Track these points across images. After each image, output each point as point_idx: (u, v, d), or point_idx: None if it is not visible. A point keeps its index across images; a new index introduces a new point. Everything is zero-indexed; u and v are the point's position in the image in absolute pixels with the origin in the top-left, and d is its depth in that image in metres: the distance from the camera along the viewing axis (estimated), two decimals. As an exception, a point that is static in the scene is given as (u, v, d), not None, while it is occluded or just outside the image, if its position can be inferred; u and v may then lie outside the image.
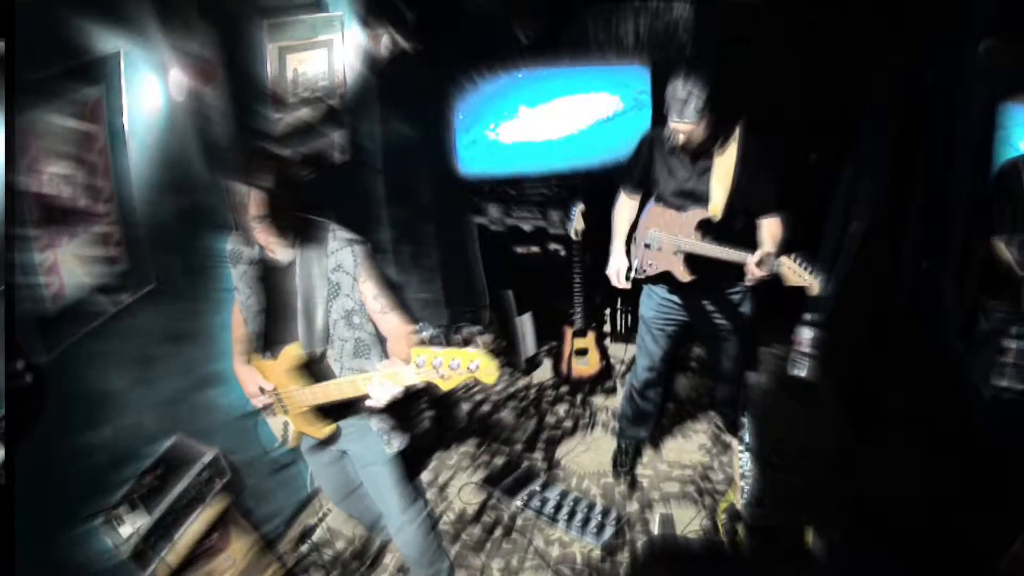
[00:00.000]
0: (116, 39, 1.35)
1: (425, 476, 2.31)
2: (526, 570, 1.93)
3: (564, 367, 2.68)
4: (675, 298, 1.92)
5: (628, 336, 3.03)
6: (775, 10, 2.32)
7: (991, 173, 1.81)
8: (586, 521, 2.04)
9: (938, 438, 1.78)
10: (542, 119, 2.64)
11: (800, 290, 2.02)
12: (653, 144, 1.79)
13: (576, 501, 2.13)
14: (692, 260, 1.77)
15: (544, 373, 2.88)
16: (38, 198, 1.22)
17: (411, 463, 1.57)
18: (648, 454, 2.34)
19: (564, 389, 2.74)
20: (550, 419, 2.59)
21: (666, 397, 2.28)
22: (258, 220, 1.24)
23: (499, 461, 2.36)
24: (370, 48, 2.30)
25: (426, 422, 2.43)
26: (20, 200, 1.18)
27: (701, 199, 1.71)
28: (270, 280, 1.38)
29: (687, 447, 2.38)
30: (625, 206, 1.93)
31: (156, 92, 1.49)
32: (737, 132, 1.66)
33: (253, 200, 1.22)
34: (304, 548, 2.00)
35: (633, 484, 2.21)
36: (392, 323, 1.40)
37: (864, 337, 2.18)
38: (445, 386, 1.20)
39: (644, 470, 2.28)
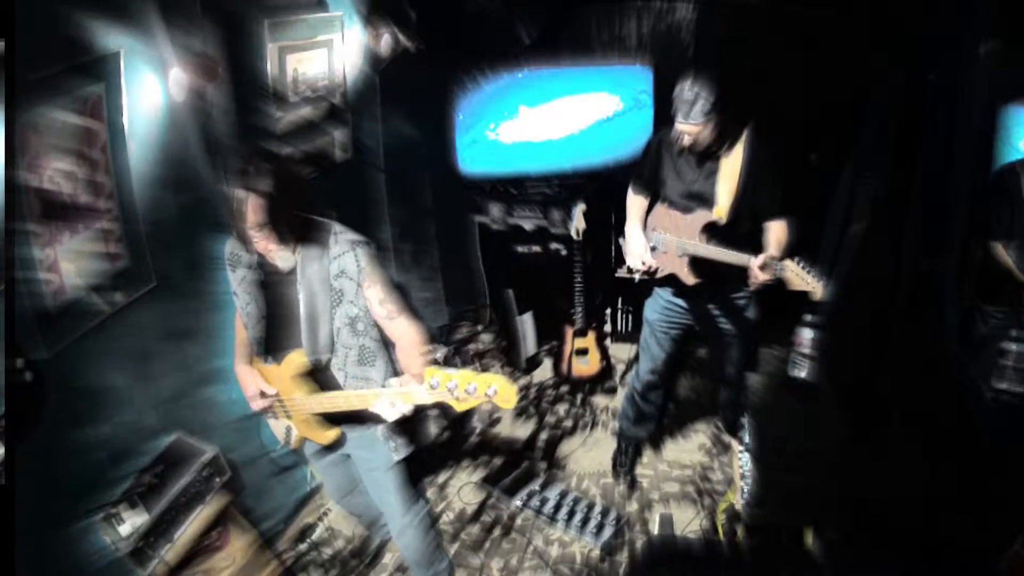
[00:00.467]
0: (117, 37, 1.35)
1: (425, 476, 2.31)
2: (525, 570, 1.92)
3: (564, 367, 2.68)
4: (680, 301, 1.92)
5: (629, 336, 3.04)
6: (775, 10, 2.32)
7: (991, 174, 1.82)
8: (585, 521, 2.04)
9: (938, 438, 1.78)
10: (543, 119, 2.64)
11: (798, 292, 2.03)
12: (661, 145, 1.79)
13: (576, 501, 2.13)
14: (697, 263, 1.76)
15: (544, 372, 2.88)
16: (39, 194, 1.22)
17: (414, 467, 1.56)
18: (648, 454, 2.34)
19: (564, 389, 2.74)
20: (550, 419, 2.59)
21: (667, 399, 2.27)
22: (257, 228, 1.19)
23: (498, 460, 2.36)
24: (372, 47, 2.30)
25: (432, 429, 2.43)
26: (21, 196, 1.18)
27: (707, 201, 1.70)
28: (270, 287, 1.35)
29: (687, 447, 2.38)
30: (636, 199, 1.92)
31: (156, 90, 1.49)
32: (744, 134, 1.66)
33: (251, 207, 1.16)
34: (303, 546, 2.00)
35: (633, 484, 2.21)
36: (400, 329, 1.35)
37: (864, 337, 2.18)
38: (459, 407, 1.17)
39: (644, 470, 2.28)
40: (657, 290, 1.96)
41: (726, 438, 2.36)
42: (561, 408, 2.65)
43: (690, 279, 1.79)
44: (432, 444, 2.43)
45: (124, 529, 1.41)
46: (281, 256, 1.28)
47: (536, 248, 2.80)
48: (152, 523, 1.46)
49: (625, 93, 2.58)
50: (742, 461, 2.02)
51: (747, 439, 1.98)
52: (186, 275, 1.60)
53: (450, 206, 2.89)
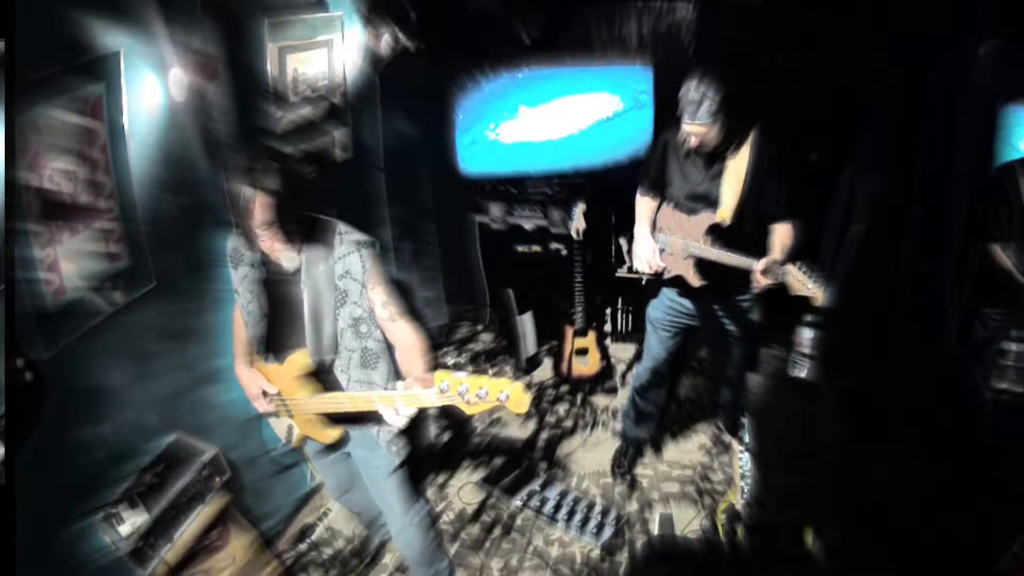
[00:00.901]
0: (117, 37, 1.35)
1: (420, 473, 2.31)
2: (525, 570, 1.92)
3: (564, 366, 2.68)
4: (685, 302, 1.91)
5: (629, 336, 3.03)
6: (775, 10, 2.32)
7: (990, 174, 1.81)
8: (585, 521, 2.04)
9: (938, 438, 1.78)
10: (542, 119, 2.64)
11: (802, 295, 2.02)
12: (667, 146, 1.79)
13: (576, 501, 2.13)
14: (702, 265, 1.75)
15: (544, 372, 2.88)
16: (39, 194, 1.22)
17: (414, 466, 1.56)
18: (648, 454, 2.34)
19: (564, 388, 2.74)
20: (550, 418, 2.59)
21: (668, 399, 2.26)
22: (264, 226, 1.18)
23: (499, 460, 2.36)
24: (372, 46, 2.30)
25: (432, 430, 2.43)
26: (21, 196, 1.18)
27: (712, 203, 1.70)
28: (274, 285, 1.34)
29: (687, 447, 2.38)
30: (644, 200, 1.91)
31: (157, 90, 1.49)
32: (751, 135, 1.65)
33: (259, 205, 1.15)
34: (303, 546, 2.00)
35: (633, 484, 2.21)
36: (401, 332, 1.35)
37: (864, 338, 2.18)
38: (470, 411, 1.16)
39: (644, 470, 2.28)
40: (663, 290, 1.96)
41: (726, 438, 2.36)
42: (561, 408, 2.65)
43: (696, 281, 1.79)
44: (432, 444, 2.43)
45: (124, 529, 1.41)
46: (286, 255, 1.28)
47: (536, 248, 2.80)
48: (152, 523, 1.46)
49: (625, 93, 2.58)
50: (742, 461, 2.02)
51: (747, 439, 1.98)
52: (186, 275, 1.60)
53: (450, 206, 2.89)
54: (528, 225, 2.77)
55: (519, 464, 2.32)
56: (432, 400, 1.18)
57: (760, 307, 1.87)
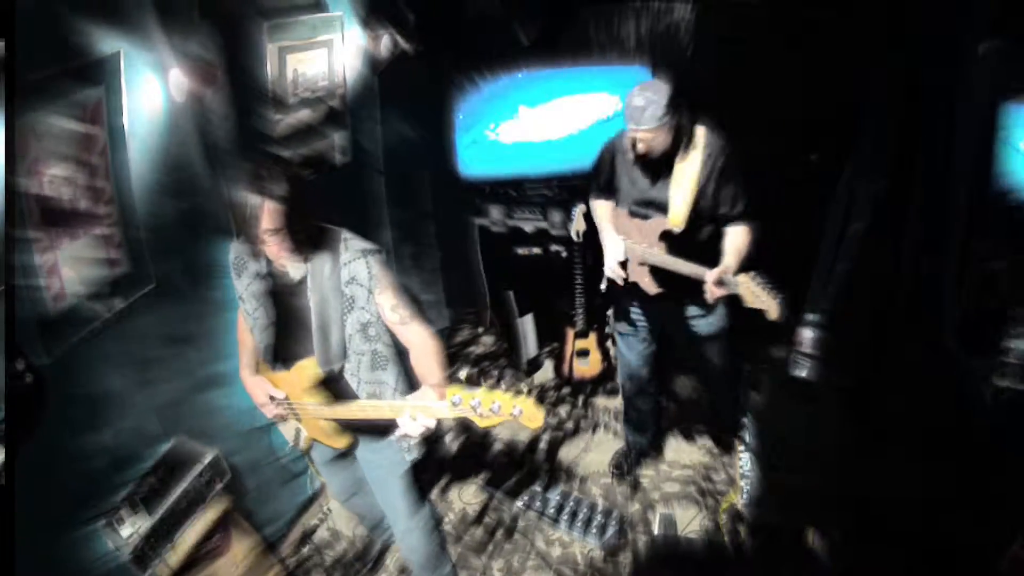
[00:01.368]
0: (116, 40, 1.34)
1: (425, 477, 2.31)
2: (528, 571, 1.93)
3: (566, 368, 2.68)
4: (645, 310, 1.89)
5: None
6: (775, 10, 2.32)
7: (991, 173, 1.81)
8: (588, 522, 2.04)
9: (938, 438, 1.79)
10: (542, 119, 2.64)
11: (797, 292, 2.01)
12: (615, 151, 1.75)
13: (578, 502, 2.13)
14: (658, 272, 1.72)
15: (546, 374, 2.88)
16: (39, 200, 1.21)
17: (419, 470, 1.55)
18: (649, 455, 2.34)
19: (566, 390, 2.74)
20: (551, 420, 2.59)
21: (659, 403, 2.23)
22: (272, 233, 1.18)
23: (501, 462, 2.36)
24: (370, 49, 2.29)
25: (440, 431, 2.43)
26: (21, 202, 1.17)
27: (663, 208, 1.66)
28: (280, 294, 1.33)
29: (688, 447, 2.38)
30: (599, 203, 1.88)
31: (156, 93, 1.48)
32: (701, 137, 1.62)
33: (267, 212, 1.15)
34: (306, 550, 2.00)
35: (634, 485, 2.21)
36: (413, 334, 1.33)
37: (864, 337, 2.18)
38: (482, 424, 1.16)
39: (645, 470, 2.28)
40: (622, 298, 1.93)
41: (727, 438, 2.36)
42: (563, 410, 2.65)
43: (652, 288, 1.75)
44: (436, 445, 2.43)
45: (125, 531, 1.41)
46: (292, 264, 1.28)
47: (536, 250, 2.79)
48: (153, 525, 1.46)
49: (624, 93, 2.57)
50: (743, 461, 2.02)
51: (748, 439, 1.98)
52: (186, 279, 1.60)
53: (450, 208, 2.88)
54: (528, 227, 2.77)
55: (521, 466, 2.33)
56: (444, 412, 1.18)
57: (726, 310, 1.82)
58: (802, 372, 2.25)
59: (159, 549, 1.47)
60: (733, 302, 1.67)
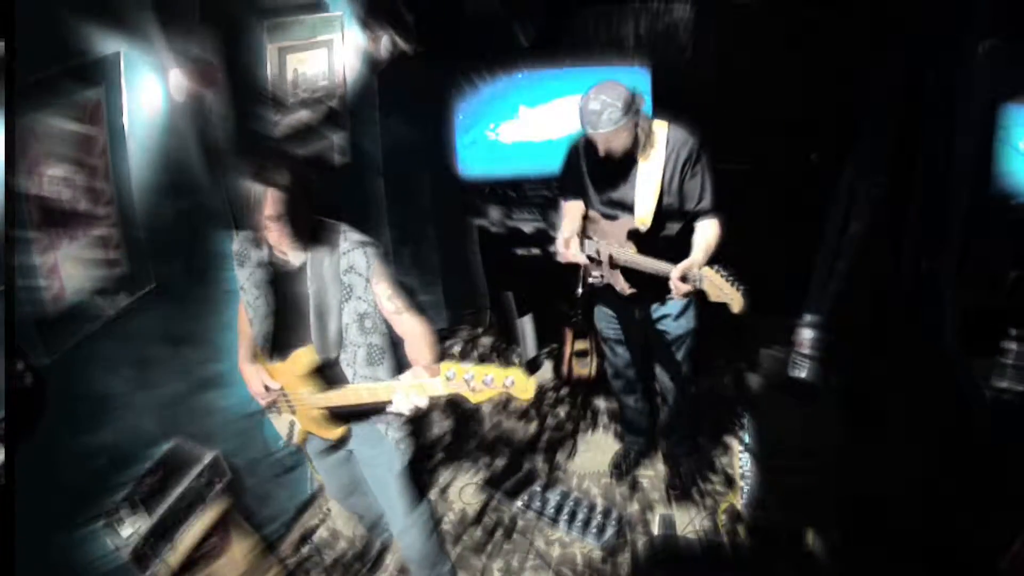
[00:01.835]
0: (116, 40, 1.35)
1: (427, 477, 2.31)
2: (527, 571, 1.93)
3: (565, 369, 2.68)
4: (620, 310, 1.90)
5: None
6: (775, 10, 2.32)
7: (991, 173, 1.81)
8: (587, 522, 2.04)
9: (938, 438, 1.78)
10: (542, 119, 2.64)
11: (798, 292, 2.01)
12: (579, 152, 1.75)
13: (577, 502, 2.13)
14: (629, 272, 1.71)
15: (545, 375, 2.88)
16: (38, 201, 1.22)
17: (417, 467, 1.56)
18: (649, 454, 2.34)
19: (565, 391, 2.74)
20: (551, 421, 2.59)
21: (651, 403, 2.21)
22: (274, 220, 1.21)
23: (500, 462, 2.36)
24: (370, 49, 2.29)
25: (436, 429, 2.43)
26: (20, 203, 1.17)
27: (630, 208, 1.66)
28: (280, 282, 1.36)
29: (687, 447, 2.38)
30: (570, 204, 1.85)
31: (156, 93, 1.48)
32: (663, 133, 1.62)
33: (270, 199, 1.19)
34: (305, 550, 2.00)
35: (634, 485, 2.21)
36: (409, 324, 1.36)
37: (864, 337, 2.18)
38: (475, 399, 1.17)
39: (644, 471, 2.28)
40: (601, 299, 1.94)
41: (727, 438, 2.36)
42: (562, 410, 2.65)
43: (625, 289, 1.74)
44: (435, 445, 2.43)
45: (125, 531, 1.41)
46: (293, 252, 1.31)
47: (535, 250, 2.79)
48: (153, 526, 1.46)
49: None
50: (742, 461, 2.02)
51: (747, 439, 1.98)
52: (186, 280, 1.60)
53: (449, 209, 2.89)
54: (527, 228, 2.77)
55: (520, 466, 2.33)
56: (438, 389, 1.19)
57: (694, 312, 1.82)
58: (801, 372, 2.24)
59: (159, 550, 1.47)
60: (706, 306, 1.67)
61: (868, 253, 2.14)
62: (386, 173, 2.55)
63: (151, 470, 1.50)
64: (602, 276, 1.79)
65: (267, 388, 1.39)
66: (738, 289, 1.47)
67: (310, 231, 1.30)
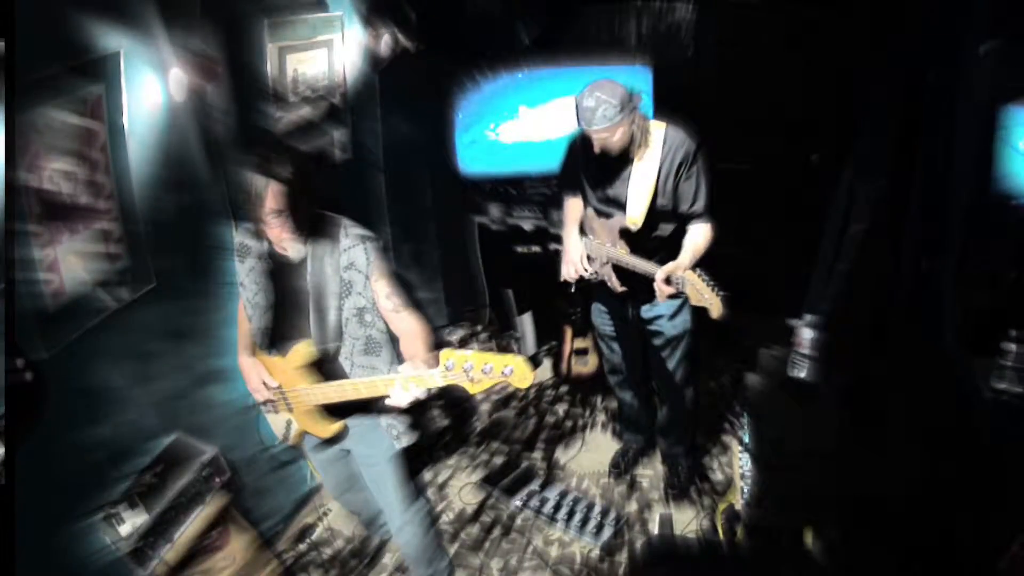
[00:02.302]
0: (117, 37, 1.35)
1: (425, 475, 2.31)
2: (525, 570, 1.92)
3: (564, 367, 2.68)
4: (614, 307, 1.91)
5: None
6: (775, 10, 2.32)
7: (991, 174, 1.81)
8: (585, 521, 2.04)
9: (938, 438, 1.78)
10: (542, 119, 2.65)
11: (799, 293, 2.00)
12: (577, 149, 1.76)
13: (575, 501, 2.13)
14: (622, 271, 1.73)
15: (544, 373, 2.88)
16: (39, 194, 1.22)
17: (414, 464, 1.56)
18: (648, 454, 2.33)
19: (564, 389, 2.74)
20: (549, 419, 2.59)
21: (648, 401, 2.21)
22: (275, 214, 1.21)
23: (498, 460, 2.36)
24: (371, 47, 2.30)
25: (436, 422, 2.43)
26: (21, 196, 1.18)
27: (623, 206, 1.67)
28: (279, 276, 1.36)
29: (686, 447, 2.38)
30: (571, 202, 1.89)
31: (156, 92, 1.49)
32: (660, 134, 1.62)
33: (271, 193, 1.18)
34: (303, 546, 2.00)
35: (632, 484, 2.21)
36: (405, 322, 1.37)
37: (864, 337, 2.18)
38: (474, 389, 1.17)
39: (644, 470, 2.28)
40: (596, 298, 1.95)
41: (726, 439, 2.36)
42: (560, 408, 2.65)
43: (617, 287, 1.76)
44: (432, 441, 2.43)
45: (124, 529, 1.41)
46: (293, 246, 1.31)
47: (535, 248, 2.79)
48: (152, 523, 1.46)
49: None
50: (742, 461, 2.02)
51: (747, 439, 1.97)
52: (186, 275, 1.61)
53: (450, 206, 2.89)
54: (527, 226, 2.77)
55: (518, 464, 2.32)
56: (436, 380, 1.19)
57: (689, 312, 1.81)
58: (801, 373, 2.24)
59: (158, 548, 1.47)
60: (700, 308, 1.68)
61: (868, 253, 2.14)
62: (387, 170, 2.55)
63: (150, 465, 1.51)
64: (596, 273, 1.80)
65: (265, 384, 1.39)
66: (717, 294, 1.48)
67: (310, 225, 1.30)
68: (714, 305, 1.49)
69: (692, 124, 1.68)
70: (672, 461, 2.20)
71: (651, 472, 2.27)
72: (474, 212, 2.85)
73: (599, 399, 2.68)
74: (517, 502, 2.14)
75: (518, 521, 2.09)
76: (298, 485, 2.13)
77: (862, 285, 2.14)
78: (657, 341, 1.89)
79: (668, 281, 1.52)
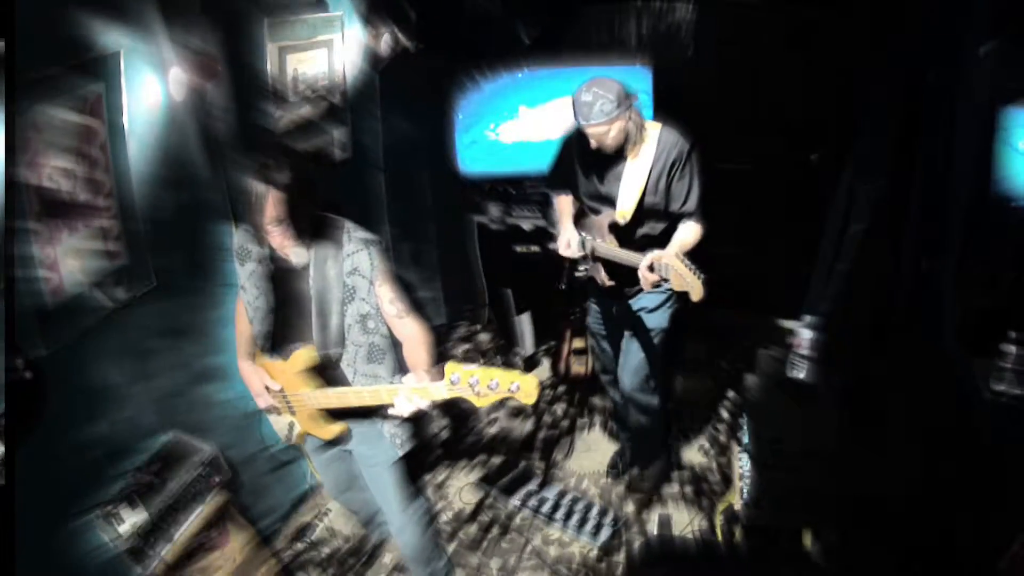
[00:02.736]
0: (117, 36, 1.36)
1: (424, 475, 2.31)
2: (523, 569, 1.92)
3: (562, 366, 2.68)
4: (603, 305, 1.92)
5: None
6: (775, 10, 2.32)
7: (991, 174, 1.80)
8: (584, 521, 2.03)
9: (938, 438, 1.77)
10: (542, 119, 2.65)
11: (798, 293, 2.00)
12: (572, 146, 1.77)
13: (574, 501, 2.13)
14: (609, 265, 1.74)
15: (542, 372, 2.88)
16: (39, 192, 1.22)
17: (413, 464, 1.56)
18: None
19: (562, 389, 2.73)
20: (547, 419, 2.59)
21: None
22: (276, 222, 1.19)
23: (496, 460, 2.36)
24: (372, 46, 2.30)
25: (434, 429, 2.43)
26: (21, 194, 1.18)
27: (613, 203, 1.68)
28: (281, 280, 1.34)
29: (685, 448, 2.37)
30: (560, 198, 1.89)
31: (156, 90, 1.49)
32: (654, 133, 1.64)
33: (271, 201, 1.16)
34: (301, 545, 2.00)
35: (631, 484, 2.21)
36: (409, 328, 1.36)
37: (864, 338, 2.17)
38: (479, 403, 1.17)
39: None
40: (587, 294, 1.97)
41: (724, 439, 2.35)
42: (559, 408, 2.65)
43: (605, 281, 1.77)
44: (431, 442, 2.43)
45: (124, 528, 1.41)
46: (295, 252, 1.29)
47: (535, 248, 2.79)
48: (151, 522, 1.46)
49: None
50: (741, 462, 2.01)
51: (746, 439, 1.97)
52: (185, 272, 1.61)
53: (449, 206, 2.89)
54: (527, 225, 2.77)
55: (517, 464, 2.32)
56: (442, 393, 1.18)
57: (670, 310, 1.82)
58: (800, 373, 2.24)
59: (157, 547, 1.47)
60: (680, 305, 1.71)
61: (868, 253, 2.14)
62: (387, 169, 2.55)
63: (149, 463, 1.51)
64: (586, 270, 1.82)
65: (267, 389, 1.38)
66: (699, 277, 1.48)
67: (313, 229, 1.28)
68: (695, 288, 1.48)
69: (692, 124, 1.69)
70: (640, 461, 2.14)
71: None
72: (473, 211, 2.86)
73: (597, 399, 2.68)
74: (516, 502, 2.14)
75: (516, 521, 2.09)
76: (297, 484, 2.13)
77: (862, 285, 2.14)
78: (640, 333, 1.88)
79: (652, 269, 1.52)
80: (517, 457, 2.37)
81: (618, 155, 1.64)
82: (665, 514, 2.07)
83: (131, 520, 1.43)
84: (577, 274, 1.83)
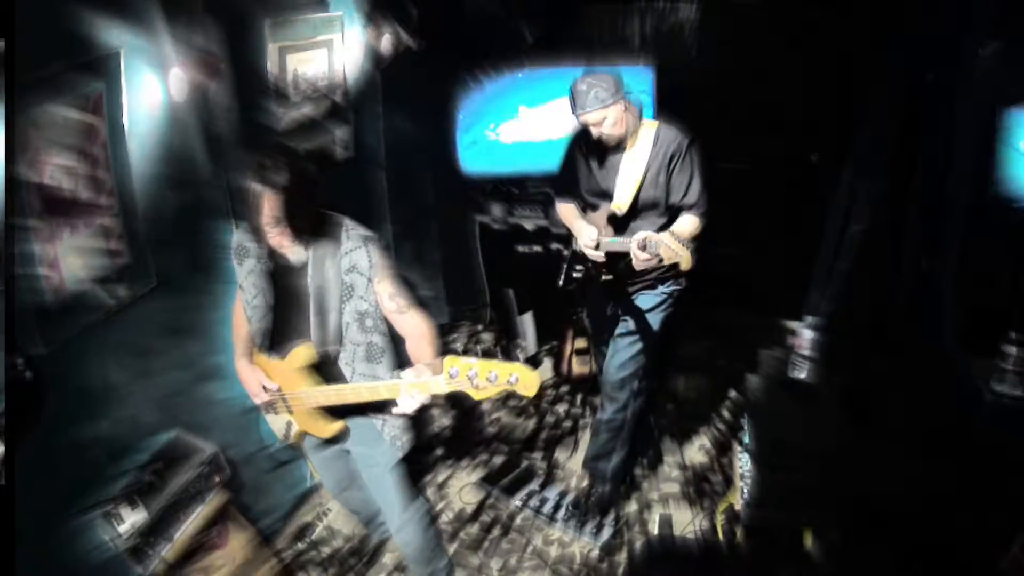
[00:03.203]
0: (118, 35, 1.36)
1: (424, 475, 2.31)
2: (524, 569, 1.92)
3: (564, 366, 2.68)
4: (600, 306, 1.92)
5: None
6: (776, 10, 2.33)
7: (991, 174, 1.81)
8: (584, 521, 2.03)
9: (938, 438, 1.78)
10: (542, 119, 2.65)
11: (798, 293, 2.00)
12: (575, 147, 1.78)
13: (576, 501, 2.12)
14: (608, 261, 1.74)
15: (544, 372, 2.87)
16: (40, 190, 1.22)
17: (414, 464, 1.56)
18: (646, 454, 2.33)
19: (564, 389, 2.73)
20: (549, 419, 2.58)
21: (648, 403, 2.20)
22: (273, 223, 1.19)
23: (498, 460, 2.35)
24: (373, 45, 2.30)
25: (433, 426, 2.43)
26: (22, 192, 1.18)
27: (611, 196, 1.69)
28: (280, 278, 1.34)
29: (686, 448, 2.37)
30: (564, 206, 1.89)
31: (157, 89, 1.49)
32: (652, 129, 1.64)
33: (268, 201, 1.16)
34: (302, 545, 2.00)
35: (631, 485, 2.21)
36: (411, 323, 1.35)
37: (864, 338, 2.18)
38: (478, 396, 1.16)
39: (643, 470, 2.28)
40: (588, 293, 1.97)
41: (726, 438, 2.35)
42: (561, 408, 2.65)
43: (603, 274, 1.78)
44: (432, 442, 2.43)
45: (124, 528, 1.41)
46: (294, 250, 1.29)
47: (537, 247, 2.79)
48: (152, 521, 1.46)
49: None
50: (742, 462, 2.01)
51: (746, 440, 1.97)
52: (186, 272, 1.61)
53: (451, 205, 2.89)
54: (529, 225, 2.77)
55: (518, 464, 2.32)
56: (441, 387, 1.18)
57: (669, 310, 1.83)
58: (801, 373, 2.24)
59: (158, 546, 1.47)
60: (677, 309, 1.71)
61: (868, 253, 2.14)
62: (388, 168, 2.55)
63: (149, 462, 1.50)
64: (584, 269, 1.82)
65: (265, 388, 1.38)
66: (687, 247, 1.49)
67: (312, 226, 1.28)
68: (684, 258, 1.49)
69: (693, 124, 1.69)
70: (597, 473, 2.10)
71: (650, 473, 2.27)
72: (475, 211, 2.86)
73: (599, 399, 2.68)
74: (517, 502, 2.14)
75: (518, 521, 2.09)
76: (297, 483, 2.13)
77: (862, 285, 2.14)
78: (633, 331, 1.88)
79: (644, 248, 1.52)
80: (519, 457, 2.37)
81: (617, 148, 1.66)
82: (666, 514, 2.07)
83: (131, 519, 1.42)
84: (575, 274, 1.84)
